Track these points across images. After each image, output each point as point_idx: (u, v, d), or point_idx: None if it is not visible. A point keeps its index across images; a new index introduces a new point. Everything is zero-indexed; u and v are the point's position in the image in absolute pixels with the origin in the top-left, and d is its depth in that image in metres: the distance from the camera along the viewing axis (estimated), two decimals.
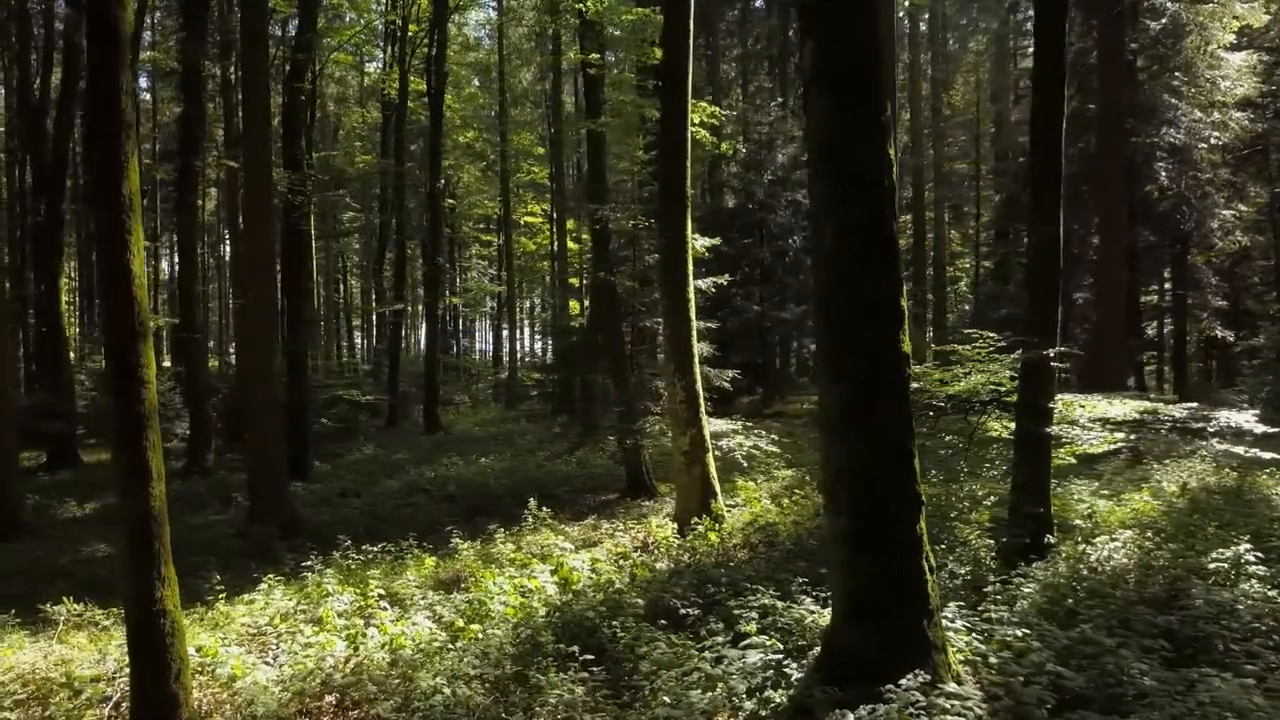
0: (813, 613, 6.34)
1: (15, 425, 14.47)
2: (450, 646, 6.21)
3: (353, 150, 35.01)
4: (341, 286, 51.13)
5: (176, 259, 51.43)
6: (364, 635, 6.11)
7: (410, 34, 30.75)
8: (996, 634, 5.43)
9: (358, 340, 53.87)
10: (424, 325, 47.45)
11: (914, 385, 10.80)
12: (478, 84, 44.46)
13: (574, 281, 40.29)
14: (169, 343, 48.47)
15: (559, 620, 6.58)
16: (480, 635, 6.30)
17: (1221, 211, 20.78)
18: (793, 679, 5.08)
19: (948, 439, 9.88)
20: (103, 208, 5.24)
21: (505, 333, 50.45)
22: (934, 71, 40.64)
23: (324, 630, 6.58)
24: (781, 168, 27.99)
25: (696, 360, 10.91)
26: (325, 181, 23.65)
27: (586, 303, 43.68)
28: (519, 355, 46.29)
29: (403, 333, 35.80)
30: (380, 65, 36.33)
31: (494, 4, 39.04)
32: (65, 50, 24.91)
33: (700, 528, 9.69)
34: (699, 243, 12.13)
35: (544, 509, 11.15)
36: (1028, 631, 5.23)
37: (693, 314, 10.91)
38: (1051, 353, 8.25)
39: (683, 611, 6.93)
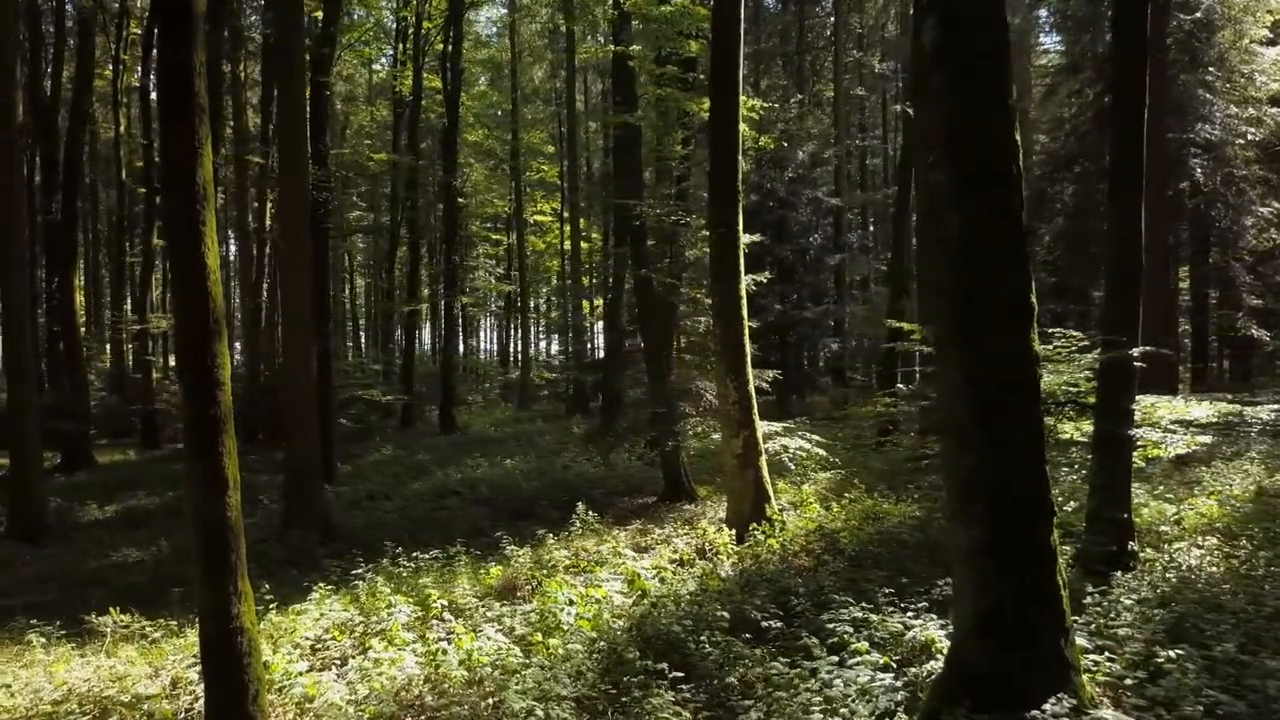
0: (910, 626, 6.02)
1: (39, 427, 14.16)
2: (527, 662, 5.88)
3: (362, 149, 34.67)
4: (348, 286, 50.79)
5: None
6: (443, 652, 5.76)
7: (423, 30, 30.43)
8: (1125, 651, 5.10)
9: (362, 340, 53.56)
10: (428, 325, 47.23)
11: None
12: (485, 82, 44.15)
13: (584, 281, 39.95)
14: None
15: (640, 634, 6.25)
16: (561, 651, 5.96)
17: (1258, 208, 20.47)
18: (919, 702, 4.75)
19: None
20: (175, 196, 4.90)
21: (516, 332, 50.14)
22: None
23: (393, 645, 6.24)
24: (802, 165, 27.66)
25: (749, 360, 10.59)
26: (349, 178, 23.28)
27: (598, 302, 43.49)
28: (530, 355, 45.84)
29: (423, 332, 35.45)
30: (390, 63, 35.99)
31: (506, 1, 38.66)
32: (79, 46, 24.66)
33: (759, 534, 9.36)
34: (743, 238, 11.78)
35: (590, 513, 10.82)
36: (1181, 652, 4.88)
37: (745, 312, 10.59)
38: (1136, 352, 7.94)
39: (764, 624, 6.61)
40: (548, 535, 10.19)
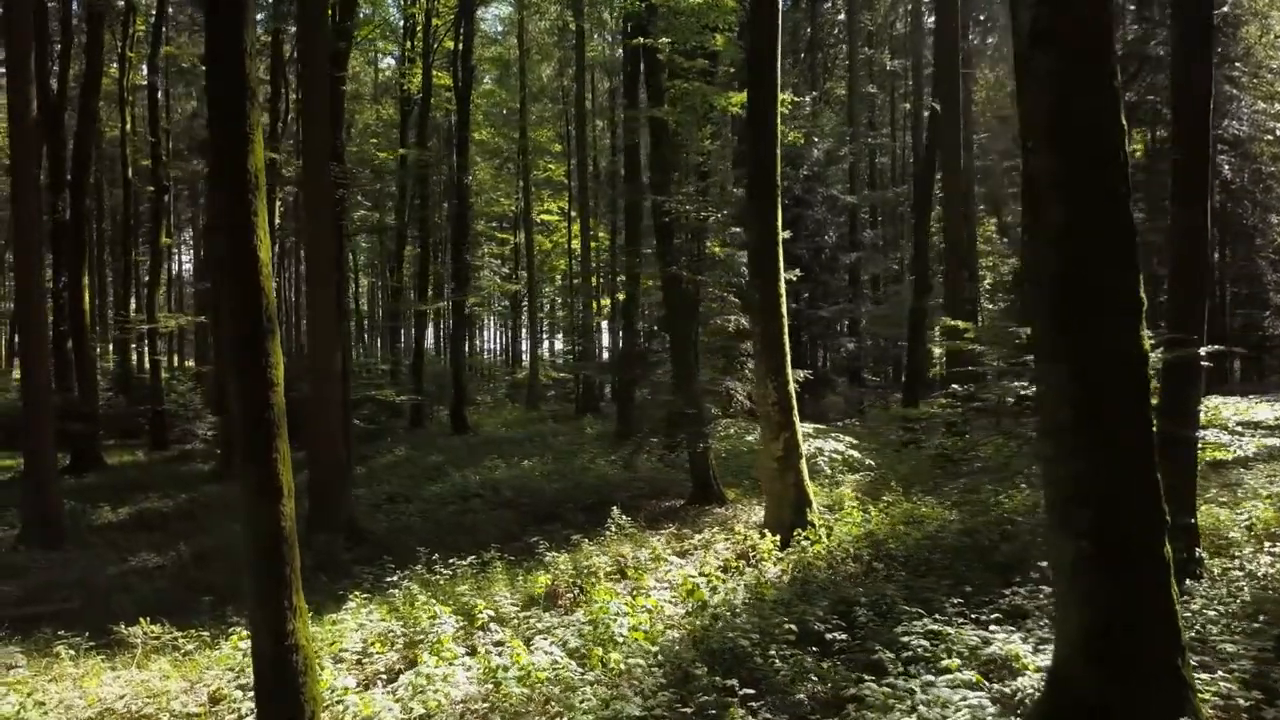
0: (988, 640, 5.71)
1: (53, 430, 13.83)
2: (587, 678, 5.58)
3: (367, 147, 34.34)
4: (352, 286, 50.41)
5: (189, 256, 50.69)
6: (504, 669, 5.45)
7: (433, 27, 30.11)
8: (1234, 668, 4.80)
9: (365, 339, 53.21)
10: (431, 325, 46.85)
11: (1026, 389, 10.21)
12: (491, 81, 43.84)
13: (592, 280, 39.60)
14: (183, 342, 47.87)
15: (705, 647, 5.95)
16: (622, 665, 5.65)
17: None
18: None
19: None
20: (225, 186, 4.61)
21: (525, 331, 49.80)
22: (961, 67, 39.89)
23: (444, 660, 5.93)
24: (816, 163, 27.33)
25: (789, 359, 10.28)
26: (366, 175, 22.94)
27: (605, 302, 43.15)
28: (537, 355, 45.44)
29: (426, 332, 35.09)
30: (396, 61, 35.68)
31: None
32: (87, 43, 24.31)
33: (805, 540, 9.05)
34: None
35: (624, 517, 10.52)
36: None
37: (784, 310, 10.28)
38: (1203, 351, 7.65)
39: (828, 636, 6.31)
40: (583, 540, 9.90)
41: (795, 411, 10.22)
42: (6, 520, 14.47)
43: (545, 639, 6.34)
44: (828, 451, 11.99)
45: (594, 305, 39.95)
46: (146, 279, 32.43)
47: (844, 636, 6.29)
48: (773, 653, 5.76)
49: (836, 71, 38.16)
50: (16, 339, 43.25)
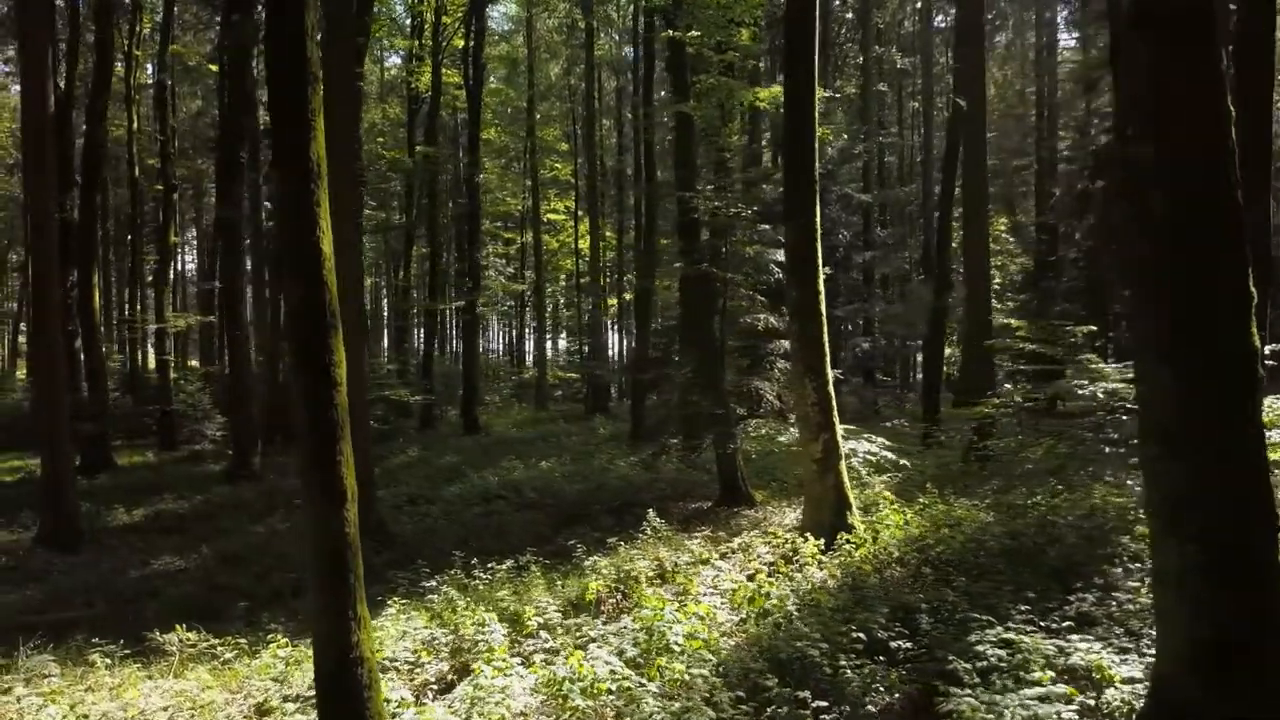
0: (1064, 650, 5.48)
1: (68, 431, 13.58)
2: (649, 689, 5.35)
3: (373, 147, 34.12)
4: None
5: (192, 256, 50.40)
6: (569, 681, 5.23)
7: (442, 24, 29.91)
8: None
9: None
10: (425, 326, 46.60)
11: (1084, 389, 10.00)
12: (497, 80, 43.63)
13: (601, 280, 39.42)
14: (187, 342, 47.64)
15: (772, 656, 5.72)
16: (685, 675, 5.43)
17: None
18: None
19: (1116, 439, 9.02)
20: (286, 176, 4.40)
21: (530, 331, 49.59)
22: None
23: (497, 669, 5.70)
24: (830, 161, 27.09)
25: (828, 358, 10.06)
26: (379, 172, 22.77)
27: (611, 302, 42.85)
28: (545, 354, 45.18)
29: (434, 333, 34.87)
30: (403, 59, 35.49)
31: None
32: (96, 41, 24.10)
33: (848, 543, 8.83)
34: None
35: (658, 519, 10.29)
36: None
37: (823, 307, 10.06)
38: (1268, 349, 7.43)
39: (893, 645, 6.09)
40: (619, 543, 9.67)
41: (835, 411, 10.00)
42: (21, 522, 14.25)
43: (599, 647, 6.12)
44: (861, 453, 11.76)
45: (602, 304, 39.74)
46: (150, 279, 32.23)
47: (908, 645, 6.07)
48: (843, 663, 5.54)
49: (847, 69, 37.93)
50: (22, 340, 43.00)
